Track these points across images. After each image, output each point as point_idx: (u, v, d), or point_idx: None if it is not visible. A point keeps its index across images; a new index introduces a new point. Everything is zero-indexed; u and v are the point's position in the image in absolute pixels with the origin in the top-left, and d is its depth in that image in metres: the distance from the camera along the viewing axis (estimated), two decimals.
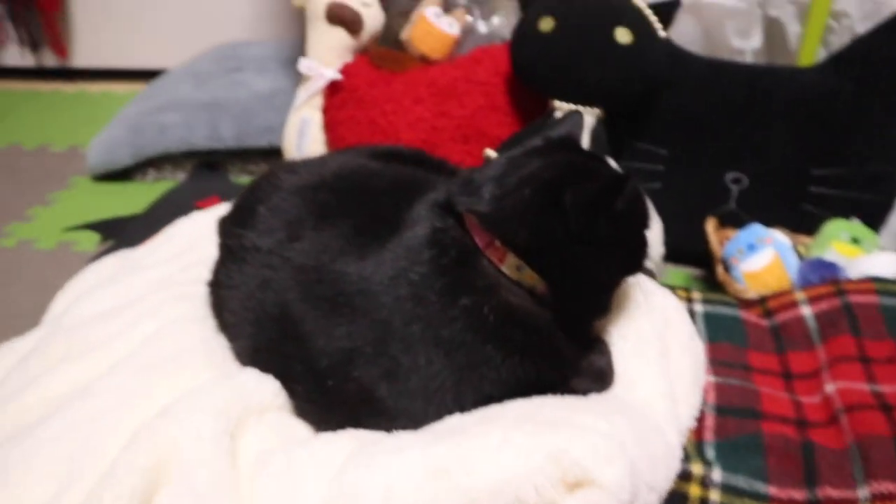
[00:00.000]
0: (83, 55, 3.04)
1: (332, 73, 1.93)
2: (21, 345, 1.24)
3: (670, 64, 1.73)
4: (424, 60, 1.99)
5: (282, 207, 1.14)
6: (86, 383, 1.01)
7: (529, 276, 0.98)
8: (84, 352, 1.09)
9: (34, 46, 2.97)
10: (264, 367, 1.07)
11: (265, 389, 1.02)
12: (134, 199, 2.04)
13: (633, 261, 1.07)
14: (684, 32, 1.91)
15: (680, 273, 1.75)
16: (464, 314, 0.95)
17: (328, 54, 1.98)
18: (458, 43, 2.02)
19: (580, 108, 1.73)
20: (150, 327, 1.14)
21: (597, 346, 1.11)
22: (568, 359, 1.02)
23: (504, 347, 0.96)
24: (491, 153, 1.82)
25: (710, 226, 1.63)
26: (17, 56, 3.02)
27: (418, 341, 0.95)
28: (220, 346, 1.13)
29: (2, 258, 1.76)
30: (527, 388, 0.98)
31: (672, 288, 1.44)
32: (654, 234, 1.61)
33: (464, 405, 0.95)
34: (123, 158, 2.12)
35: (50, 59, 3.03)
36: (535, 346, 0.98)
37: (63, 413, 0.95)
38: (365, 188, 1.17)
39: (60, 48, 2.97)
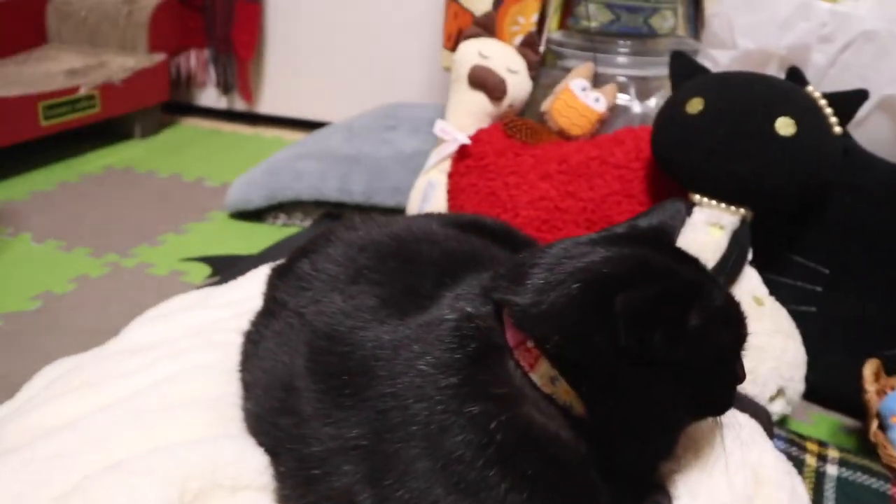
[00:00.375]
0: (266, 102, 3.23)
1: (462, 138, 1.83)
2: (70, 362, 1.22)
3: (845, 165, 1.43)
4: (563, 136, 1.83)
5: (322, 264, 1.03)
6: (73, 418, 0.93)
7: (565, 392, 0.77)
8: (95, 384, 1.03)
9: (227, 90, 3.19)
10: (261, 439, 0.95)
11: (247, 464, 0.89)
12: (259, 239, 2.05)
13: (712, 396, 0.82)
14: (874, 132, 1.59)
15: (825, 419, 1.41)
16: (469, 424, 0.76)
17: (466, 118, 1.90)
18: (604, 121, 1.84)
19: (725, 206, 1.47)
20: (169, 370, 1.06)
21: (655, 495, 0.86)
22: None
23: (511, 475, 0.75)
24: None
25: (870, 369, 1.29)
26: (213, 98, 3.26)
27: (413, 447, 0.78)
28: (233, 405, 1.02)
29: (116, 277, 1.81)
30: None
31: (800, 438, 1.14)
32: (793, 362, 1.30)
33: None
34: (256, 199, 2.15)
35: (239, 104, 3.25)
36: (556, 481, 0.76)
37: (32, 446, 0.88)
38: (414, 255, 1.02)
39: (248, 93, 3.17)
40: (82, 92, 2.63)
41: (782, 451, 1.13)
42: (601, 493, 0.79)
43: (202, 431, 0.93)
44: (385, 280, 0.96)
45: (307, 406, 0.87)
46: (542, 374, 0.78)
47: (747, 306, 0.87)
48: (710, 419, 0.88)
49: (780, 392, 1.31)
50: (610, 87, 1.86)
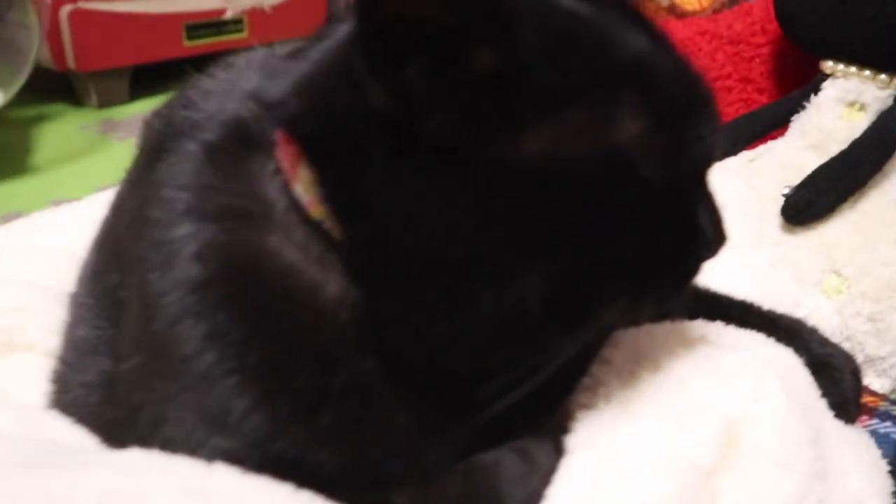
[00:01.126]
0: None
1: None
2: None
3: None
4: (674, 13, 1.41)
5: None
6: None
7: (318, 210, 0.47)
8: None
9: None
10: None
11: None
12: None
13: (617, 252, 0.46)
14: None
15: None
16: (174, 253, 0.49)
17: None
18: None
19: (869, 74, 1.00)
20: None
21: (523, 441, 0.52)
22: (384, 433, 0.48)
23: (215, 339, 0.46)
24: None
25: None
26: None
27: (133, 288, 0.52)
28: None
29: None
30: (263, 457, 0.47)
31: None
32: None
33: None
34: None
35: None
36: (287, 361, 0.47)
37: None
38: None
39: None
40: (228, 15, 2.61)
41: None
42: (386, 403, 0.47)
43: None
44: None
45: None
46: (305, 182, 0.47)
47: None
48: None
49: None
50: None
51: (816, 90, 1.05)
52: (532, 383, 0.46)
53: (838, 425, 0.61)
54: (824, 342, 0.70)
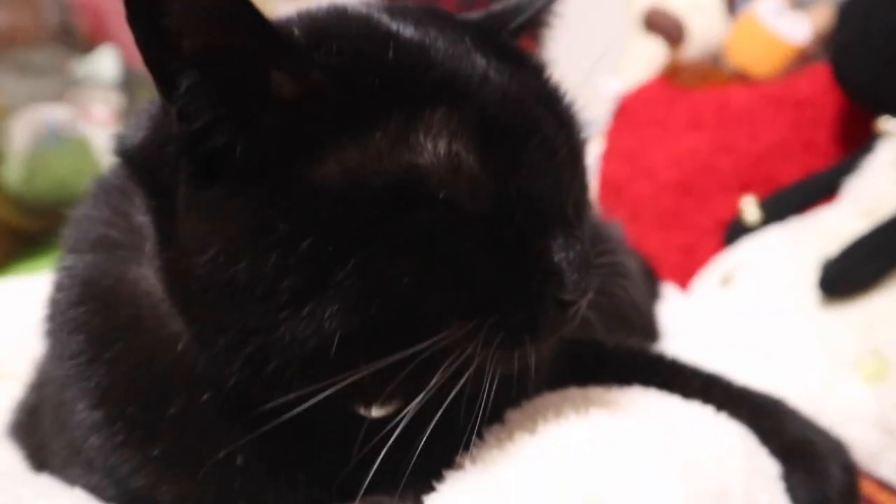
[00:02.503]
0: None
1: (614, 86, 1.47)
2: None
3: None
4: (743, 79, 1.34)
5: None
6: None
7: None
8: None
9: None
10: None
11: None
12: None
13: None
14: None
15: None
16: (66, 275, 0.52)
17: (641, 68, 1.54)
18: (807, 57, 1.30)
19: None
20: None
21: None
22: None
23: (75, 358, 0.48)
24: (751, 202, 1.10)
25: None
26: None
27: None
28: None
29: None
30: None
31: None
32: None
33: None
34: None
35: None
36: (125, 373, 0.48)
37: None
38: None
39: None
40: None
41: None
42: (222, 440, 0.46)
43: None
44: None
45: None
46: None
47: None
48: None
49: None
50: (821, 10, 1.31)
51: (870, 153, 0.94)
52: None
53: None
54: (807, 426, 0.60)
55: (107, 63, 1.96)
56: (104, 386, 0.47)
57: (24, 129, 1.78)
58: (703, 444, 0.50)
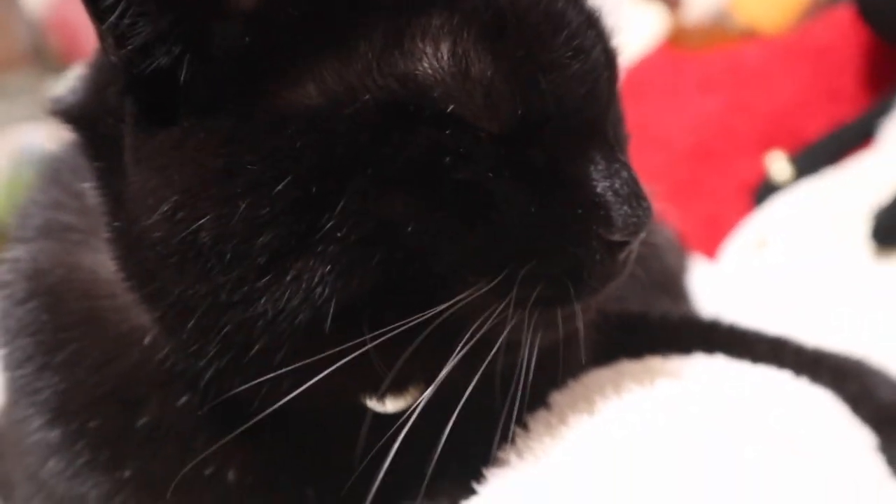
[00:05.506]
0: None
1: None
2: None
3: None
4: (753, 37, 1.26)
5: None
6: None
7: None
8: None
9: None
10: None
11: None
12: None
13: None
14: None
15: None
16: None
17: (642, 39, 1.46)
18: (818, 5, 1.22)
19: None
20: None
21: None
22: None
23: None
24: (780, 158, 1.02)
25: None
26: None
27: None
28: None
29: None
30: None
31: None
32: None
33: None
34: None
35: None
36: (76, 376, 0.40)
37: None
38: None
39: None
40: None
41: None
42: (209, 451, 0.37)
43: None
44: None
45: None
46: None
47: None
48: None
49: None
50: None
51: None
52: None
53: None
54: None
55: None
56: (59, 397, 0.39)
57: (1, 154, 1.70)
58: (795, 413, 0.41)
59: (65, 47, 1.97)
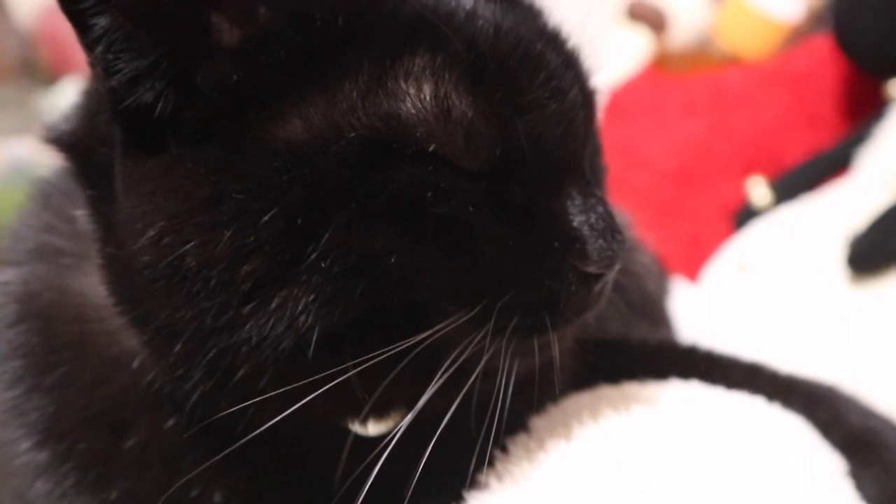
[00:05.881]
0: None
1: (601, 81, 1.41)
2: None
3: None
4: (735, 63, 1.28)
5: None
6: None
7: None
8: None
9: None
10: None
11: None
12: None
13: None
14: None
15: None
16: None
17: (627, 61, 1.49)
18: (799, 34, 1.25)
19: None
20: None
21: None
22: None
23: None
24: (760, 183, 1.04)
25: None
26: None
27: None
28: None
29: None
30: None
31: None
32: None
33: None
34: None
35: None
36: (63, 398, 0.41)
37: None
38: None
39: None
40: None
41: None
42: (197, 474, 0.38)
43: None
44: None
45: None
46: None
47: None
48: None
49: None
50: None
51: (882, 120, 0.89)
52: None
53: None
54: (867, 413, 0.53)
55: (71, 95, 1.89)
56: (48, 419, 0.39)
57: None
58: (767, 438, 0.42)
59: (54, 60, 1.97)
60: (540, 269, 0.37)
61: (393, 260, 0.34)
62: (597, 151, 0.45)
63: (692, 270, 1.11)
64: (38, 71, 1.99)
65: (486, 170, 0.36)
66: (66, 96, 1.90)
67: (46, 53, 1.99)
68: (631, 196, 1.30)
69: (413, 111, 0.34)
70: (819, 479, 0.44)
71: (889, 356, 0.74)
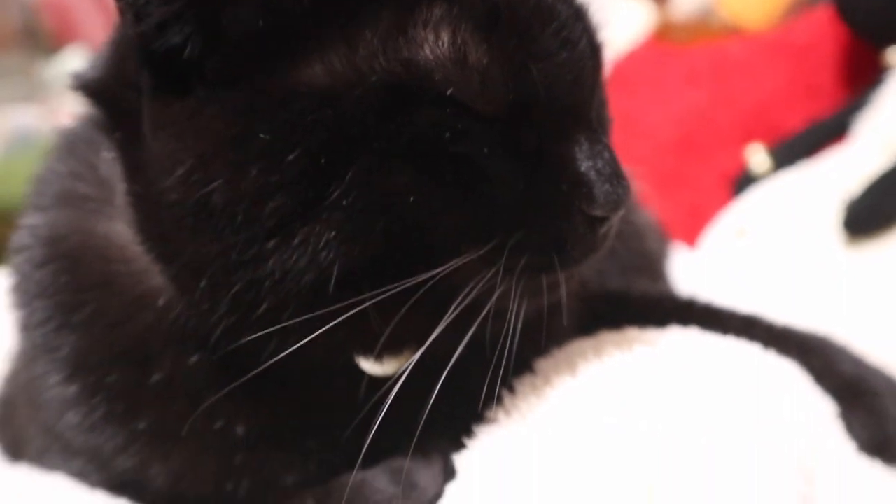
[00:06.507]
0: None
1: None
2: None
3: None
4: (737, 33, 1.29)
5: None
6: None
7: None
8: None
9: None
10: None
11: None
12: None
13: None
14: None
15: None
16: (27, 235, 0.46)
17: (628, 34, 1.49)
18: (800, 3, 1.26)
19: None
20: None
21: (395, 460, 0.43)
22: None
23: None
24: (759, 150, 1.05)
25: None
26: None
27: None
28: None
29: None
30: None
31: None
32: None
33: None
34: None
35: None
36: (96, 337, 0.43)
37: None
38: None
39: None
40: None
41: None
42: (219, 408, 0.40)
43: None
44: None
45: None
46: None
47: None
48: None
49: None
50: None
51: (880, 87, 0.90)
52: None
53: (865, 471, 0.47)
54: (858, 363, 0.56)
55: (75, 63, 1.89)
56: (77, 354, 0.41)
57: None
58: (762, 380, 0.45)
59: (57, 28, 1.97)
60: (549, 210, 0.39)
61: (412, 198, 0.36)
62: (602, 103, 0.47)
63: (692, 237, 1.13)
64: (41, 39, 1.99)
65: (499, 114, 0.37)
66: (69, 64, 1.91)
67: (50, 22, 1.99)
68: (633, 165, 1.31)
69: (431, 57, 0.36)
70: (811, 419, 0.47)
71: (884, 315, 0.76)
